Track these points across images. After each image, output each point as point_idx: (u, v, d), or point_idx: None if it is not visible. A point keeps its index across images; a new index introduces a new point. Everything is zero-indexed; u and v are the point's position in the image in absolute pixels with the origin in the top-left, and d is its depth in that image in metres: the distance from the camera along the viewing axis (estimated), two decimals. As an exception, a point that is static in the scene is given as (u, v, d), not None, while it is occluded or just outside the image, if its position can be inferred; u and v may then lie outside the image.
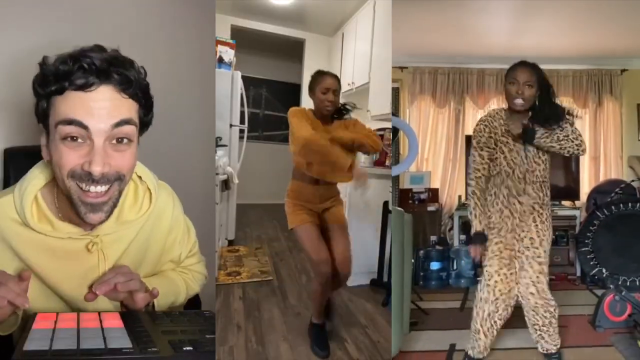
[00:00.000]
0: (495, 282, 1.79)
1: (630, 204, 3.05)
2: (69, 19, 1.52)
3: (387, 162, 3.47)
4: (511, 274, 1.80)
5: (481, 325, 1.84)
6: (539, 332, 1.86)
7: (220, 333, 2.22)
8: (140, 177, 1.10)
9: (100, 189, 0.89)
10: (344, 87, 4.67)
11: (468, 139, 3.65)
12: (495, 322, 1.83)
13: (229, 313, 2.49)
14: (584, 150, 1.73)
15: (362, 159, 3.50)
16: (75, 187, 0.88)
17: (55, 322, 0.86)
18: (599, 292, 2.74)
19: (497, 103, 3.92)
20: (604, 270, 3.00)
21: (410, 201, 3.77)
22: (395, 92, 4.01)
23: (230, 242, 4.12)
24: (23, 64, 1.37)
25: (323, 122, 2.06)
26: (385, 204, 3.11)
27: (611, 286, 2.70)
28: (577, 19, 3.07)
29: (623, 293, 2.25)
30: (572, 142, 1.70)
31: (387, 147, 3.49)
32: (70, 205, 0.92)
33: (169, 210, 1.16)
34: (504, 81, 1.78)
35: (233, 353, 2.04)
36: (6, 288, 0.81)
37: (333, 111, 2.06)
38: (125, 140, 0.92)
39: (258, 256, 3.72)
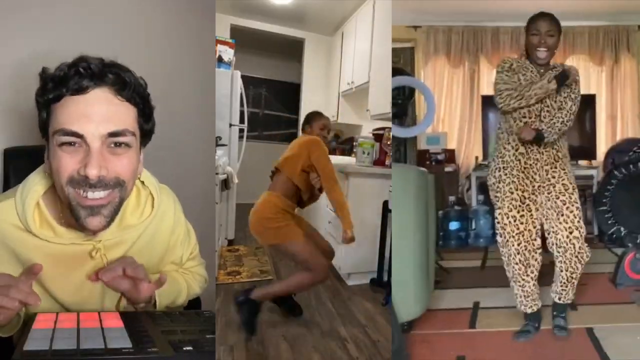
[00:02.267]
0: (505, 224, 1.79)
1: None
2: (69, 20, 1.52)
3: (387, 162, 3.47)
4: (521, 216, 1.78)
5: (508, 273, 1.84)
6: (570, 282, 1.80)
7: (220, 332, 2.22)
8: (142, 182, 1.10)
9: (99, 194, 0.88)
10: (344, 87, 4.68)
11: (484, 99, 3.65)
12: (516, 266, 1.80)
13: (229, 312, 2.49)
14: (563, 131, 1.77)
15: (361, 158, 3.51)
16: (73, 193, 0.88)
17: (55, 322, 0.87)
18: (618, 250, 2.76)
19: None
20: (622, 229, 3.00)
21: (427, 162, 3.76)
22: (410, 52, 3.95)
23: (230, 242, 4.12)
24: (24, 67, 1.40)
25: None
26: (385, 203, 3.11)
27: (629, 244, 2.71)
28: None
29: None
30: (570, 117, 1.75)
31: (387, 146, 3.48)
32: (71, 212, 0.91)
33: (170, 212, 1.16)
34: (524, 34, 1.80)
35: (233, 352, 2.04)
36: (16, 289, 0.80)
37: None
38: (122, 145, 0.91)
39: (258, 256, 3.72)
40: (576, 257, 1.76)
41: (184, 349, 0.76)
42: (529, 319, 1.88)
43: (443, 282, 2.43)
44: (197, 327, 0.90)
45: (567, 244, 1.75)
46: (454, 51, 3.93)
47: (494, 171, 1.84)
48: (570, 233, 1.74)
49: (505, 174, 1.80)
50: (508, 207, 1.78)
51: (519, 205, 1.78)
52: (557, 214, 1.75)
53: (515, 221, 1.78)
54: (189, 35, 1.87)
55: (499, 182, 1.82)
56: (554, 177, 1.78)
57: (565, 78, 1.72)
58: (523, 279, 1.82)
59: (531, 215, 1.78)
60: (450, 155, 3.82)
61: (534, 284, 1.83)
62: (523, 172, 1.79)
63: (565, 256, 1.77)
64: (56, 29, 1.48)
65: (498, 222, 1.82)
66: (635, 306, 2.05)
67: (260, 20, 5.17)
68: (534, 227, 1.79)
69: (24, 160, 1.03)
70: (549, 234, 1.79)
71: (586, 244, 1.77)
